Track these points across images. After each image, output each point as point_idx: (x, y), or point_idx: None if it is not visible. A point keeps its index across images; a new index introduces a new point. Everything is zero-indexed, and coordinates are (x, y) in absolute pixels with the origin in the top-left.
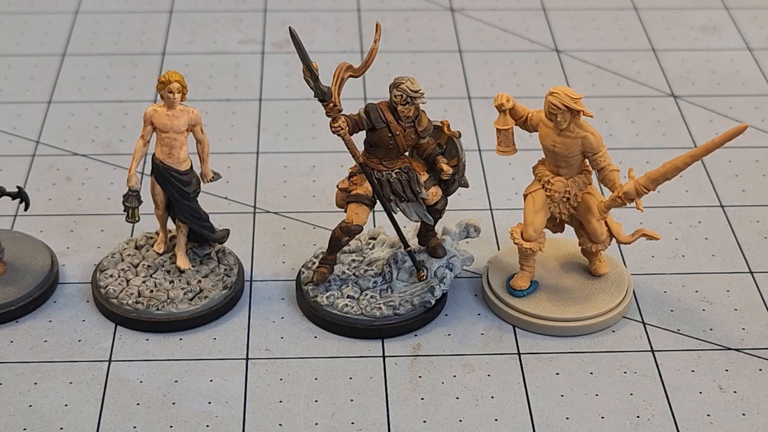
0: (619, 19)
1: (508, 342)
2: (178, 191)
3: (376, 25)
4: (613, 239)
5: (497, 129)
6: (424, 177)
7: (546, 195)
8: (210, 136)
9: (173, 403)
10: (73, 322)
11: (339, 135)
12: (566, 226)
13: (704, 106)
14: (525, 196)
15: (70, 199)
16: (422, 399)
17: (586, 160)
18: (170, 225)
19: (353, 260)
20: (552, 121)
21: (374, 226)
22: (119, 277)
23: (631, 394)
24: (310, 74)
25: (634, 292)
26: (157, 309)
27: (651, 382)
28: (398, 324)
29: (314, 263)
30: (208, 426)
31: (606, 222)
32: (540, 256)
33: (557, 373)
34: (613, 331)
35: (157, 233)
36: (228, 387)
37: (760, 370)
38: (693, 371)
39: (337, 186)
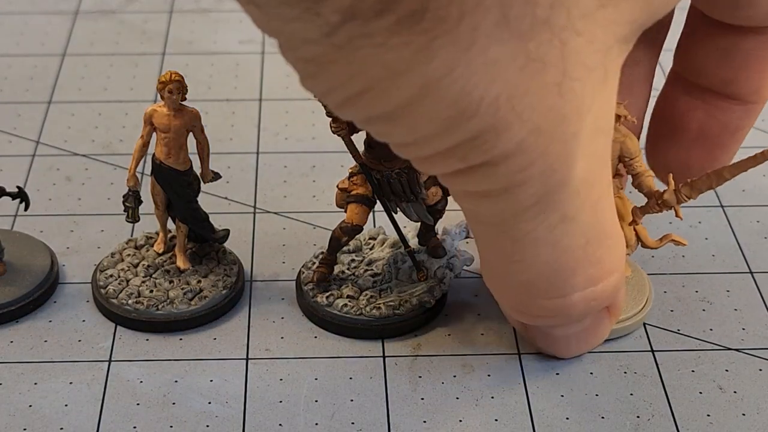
0: None
1: (508, 342)
2: (178, 191)
3: None
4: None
5: None
6: (424, 177)
7: None
8: (210, 136)
9: (173, 403)
10: (73, 322)
11: (339, 135)
12: None
13: None
14: None
15: (70, 199)
16: (422, 399)
17: (619, 165)
18: (170, 225)
19: (353, 260)
20: None
21: (374, 226)
22: (119, 277)
23: (631, 394)
24: None
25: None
26: (157, 309)
27: (651, 382)
28: (398, 324)
29: (314, 263)
30: (208, 426)
31: (634, 227)
32: None
33: (557, 373)
34: None
35: (157, 233)
36: (228, 387)
37: (760, 370)
38: (693, 371)
39: (337, 186)
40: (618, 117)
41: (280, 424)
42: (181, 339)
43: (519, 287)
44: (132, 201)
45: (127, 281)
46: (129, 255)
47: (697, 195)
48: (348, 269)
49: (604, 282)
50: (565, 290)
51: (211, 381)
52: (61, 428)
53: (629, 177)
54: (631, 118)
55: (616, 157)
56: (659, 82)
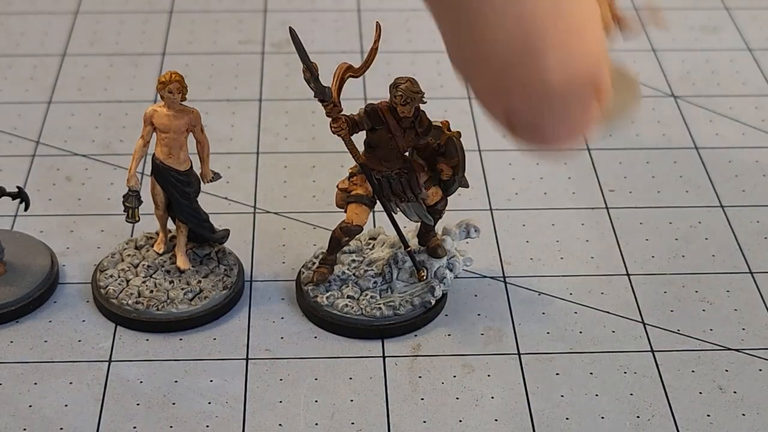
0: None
1: (508, 342)
2: (178, 191)
3: (376, 25)
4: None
5: None
6: (424, 177)
7: None
8: (210, 136)
9: (173, 403)
10: (73, 322)
11: (339, 135)
12: None
13: (704, 106)
14: None
15: (70, 199)
16: (422, 399)
17: None
18: (170, 225)
19: (353, 260)
20: None
21: (374, 226)
22: (119, 277)
23: (631, 394)
24: (310, 74)
25: (634, 292)
26: (157, 309)
27: (651, 382)
28: (398, 324)
29: (314, 263)
30: (208, 426)
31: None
32: None
33: (557, 373)
34: (613, 332)
35: (157, 233)
36: (228, 387)
37: (760, 370)
38: (693, 371)
39: (337, 186)
40: None
41: (280, 424)
42: (181, 339)
43: (490, 61)
44: (132, 201)
45: (127, 281)
46: (129, 255)
47: None
48: (348, 269)
49: (578, 45)
50: (537, 53)
51: (211, 381)
52: (61, 428)
53: None
54: None
55: None
56: None
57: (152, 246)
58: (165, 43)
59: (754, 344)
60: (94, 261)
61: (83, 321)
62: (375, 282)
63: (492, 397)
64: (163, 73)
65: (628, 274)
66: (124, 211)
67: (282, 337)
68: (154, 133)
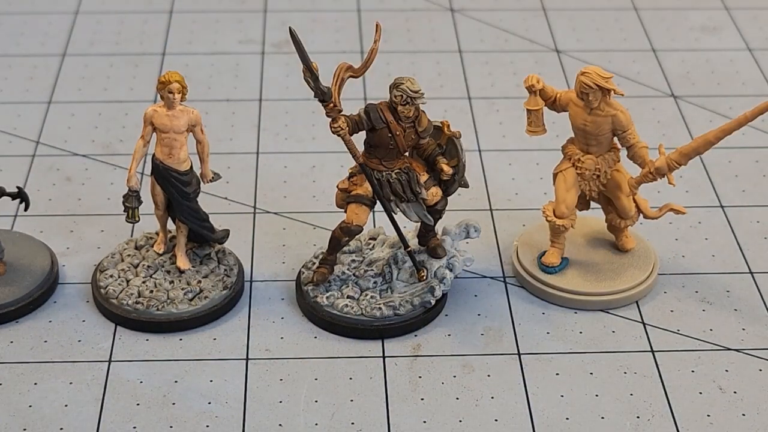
0: (619, 19)
1: (508, 342)
2: (178, 191)
3: (376, 25)
4: (641, 215)
5: (527, 110)
6: (424, 177)
7: (576, 173)
8: (210, 136)
9: (173, 403)
10: (73, 322)
11: (339, 135)
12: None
13: (704, 106)
14: (555, 175)
15: (70, 199)
16: (422, 399)
17: (615, 138)
18: (170, 225)
19: (353, 260)
20: (583, 101)
21: (374, 226)
22: (119, 277)
23: (631, 394)
24: (310, 74)
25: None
26: (157, 309)
27: (651, 383)
28: (398, 324)
29: (314, 263)
30: (208, 426)
31: (634, 198)
32: (567, 233)
33: (557, 373)
34: (613, 332)
35: (157, 233)
36: (228, 387)
37: (760, 370)
38: (693, 371)
39: (337, 186)
40: (608, 91)
41: (280, 424)
42: (181, 339)
43: None
44: (132, 201)
45: (127, 281)
46: (129, 255)
47: (686, 161)
48: (348, 269)
49: None
50: None
51: (211, 381)
52: (61, 428)
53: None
54: (619, 91)
55: (609, 131)
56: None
57: (152, 246)
58: (165, 43)
59: (754, 344)
60: (94, 261)
61: (83, 321)
62: (375, 282)
63: (492, 397)
64: (163, 73)
65: None
66: (124, 211)
67: (282, 337)
68: (154, 134)
